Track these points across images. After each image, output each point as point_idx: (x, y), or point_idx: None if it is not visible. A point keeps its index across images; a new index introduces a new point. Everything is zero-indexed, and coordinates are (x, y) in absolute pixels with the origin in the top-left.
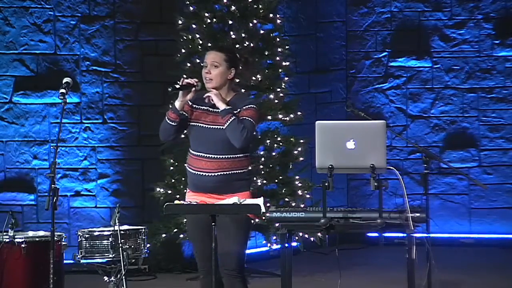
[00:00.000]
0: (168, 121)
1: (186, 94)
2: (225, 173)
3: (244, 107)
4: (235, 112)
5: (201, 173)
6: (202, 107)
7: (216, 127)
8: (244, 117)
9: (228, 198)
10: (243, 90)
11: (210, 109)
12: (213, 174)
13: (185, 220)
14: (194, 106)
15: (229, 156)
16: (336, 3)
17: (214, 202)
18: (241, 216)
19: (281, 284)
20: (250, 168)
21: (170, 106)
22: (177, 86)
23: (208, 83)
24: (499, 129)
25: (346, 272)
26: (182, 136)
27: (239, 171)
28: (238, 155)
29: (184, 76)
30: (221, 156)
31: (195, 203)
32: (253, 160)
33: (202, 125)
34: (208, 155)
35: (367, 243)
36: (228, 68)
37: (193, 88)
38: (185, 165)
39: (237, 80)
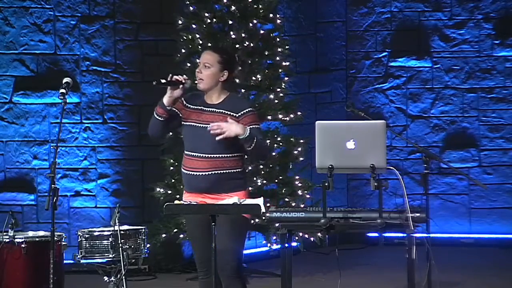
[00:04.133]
0: (156, 116)
1: (174, 90)
2: (217, 172)
3: (244, 112)
4: (235, 115)
5: (194, 173)
6: (196, 106)
7: (208, 126)
8: (252, 125)
9: (222, 198)
10: (243, 90)
11: (204, 108)
12: (205, 173)
13: (184, 220)
14: (187, 105)
15: (221, 155)
16: (336, 3)
17: (209, 203)
18: (235, 215)
19: (281, 284)
20: (244, 167)
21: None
22: (163, 81)
23: (199, 83)
24: (499, 129)
25: (346, 272)
26: (170, 134)
27: (232, 170)
28: (231, 154)
29: (172, 73)
30: (213, 155)
31: (195, 203)
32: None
33: (194, 124)
34: (201, 155)
35: (367, 243)
36: (220, 70)
37: (181, 86)
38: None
39: (237, 81)
